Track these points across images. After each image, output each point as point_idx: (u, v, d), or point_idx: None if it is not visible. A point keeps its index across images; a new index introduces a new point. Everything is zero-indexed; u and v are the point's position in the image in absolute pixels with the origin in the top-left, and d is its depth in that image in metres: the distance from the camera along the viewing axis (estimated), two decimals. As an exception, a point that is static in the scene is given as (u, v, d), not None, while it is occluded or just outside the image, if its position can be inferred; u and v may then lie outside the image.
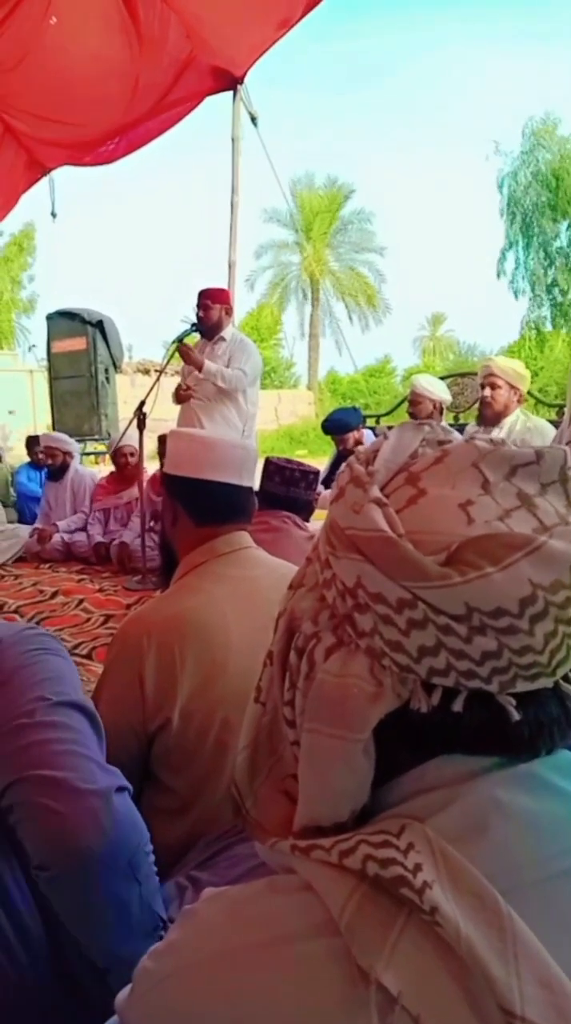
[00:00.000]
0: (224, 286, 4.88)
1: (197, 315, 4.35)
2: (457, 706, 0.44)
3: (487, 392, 3.51)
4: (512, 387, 3.50)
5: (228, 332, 4.42)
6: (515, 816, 0.45)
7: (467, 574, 0.41)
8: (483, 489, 0.45)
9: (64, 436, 5.86)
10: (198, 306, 4.35)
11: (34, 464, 6.78)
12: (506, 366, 3.58)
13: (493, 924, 0.41)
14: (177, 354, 4.34)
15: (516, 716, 0.44)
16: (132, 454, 5.02)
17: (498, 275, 25.16)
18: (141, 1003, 0.50)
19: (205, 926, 0.49)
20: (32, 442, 6.88)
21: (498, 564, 0.41)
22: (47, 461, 5.55)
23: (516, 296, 25.19)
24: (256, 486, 2.22)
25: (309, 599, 0.51)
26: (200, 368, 4.17)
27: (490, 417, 3.54)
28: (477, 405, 3.83)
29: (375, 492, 0.46)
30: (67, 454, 5.52)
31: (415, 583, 0.42)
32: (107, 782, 0.83)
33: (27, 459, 7.08)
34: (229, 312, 4.52)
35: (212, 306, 4.34)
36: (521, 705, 0.44)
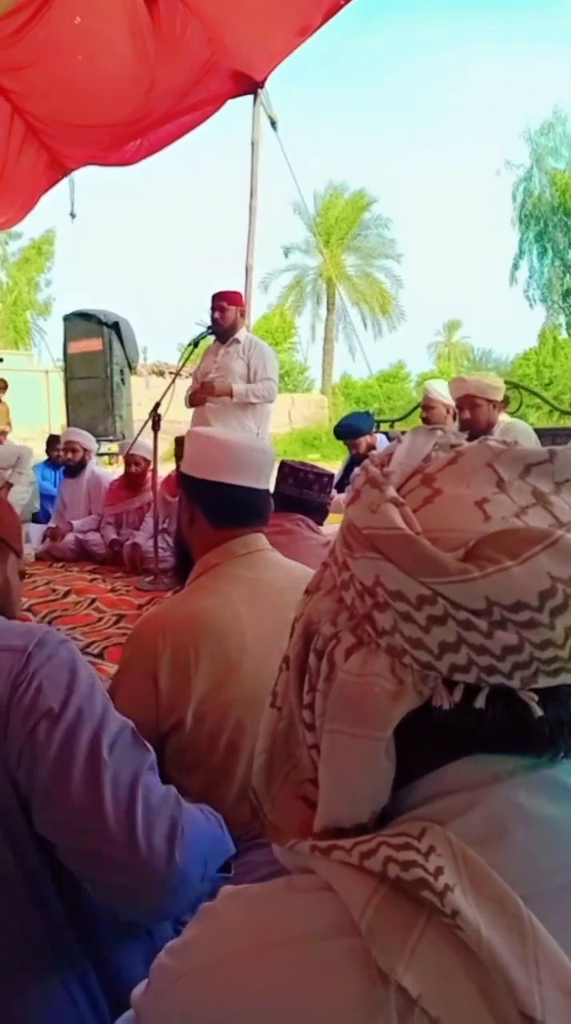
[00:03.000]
0: (240, 289, 4.90)
1: (212, 317, 4.37)
2: (479, 703, 0.44)
3: (467, 414, 3.46)
4: (490, 401, 3.48)
5: (242, 334, 4.44)
6: (536, 822, 0.45)
7: (486, 568, 0.41)
8: (498, 487, 0.46)
9: (86, 433, 5.86)
10: (213, 308, 4.37)
11: (51, 463, 6.81)
12: (480, 383, 3.54)
13: (514, 929, 0.41)
14: (193, 354, 4.37)
15: (539, 712, 0.44)
16: (137, 463, 5.04)
17: (512, 281, 25.13)
18: (158, 1001, 0.50)
19: (223, 924, 0.49)
20: (52, 441, 6.91)
21: (516, 558, 0.41)
22: (67, 455, 5.56)
23: (531, 304, 25.18)
24: (271, 488, 2.22)
25: (327, 602, 0.51)
26: (230, 395, 4.22)
27: (477, 436, 3.53)
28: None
29: (391, 492, 0.46)
30: (87, 451, 5.53)
31: (434, 579, 0.42)
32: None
33: (44, 458, 7.12)
34: (243, 314, 4.54)
35: (228, 308, 4.36)
36: (542, 701, 0.44)
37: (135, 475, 5.07)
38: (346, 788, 0.48)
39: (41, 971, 0.88)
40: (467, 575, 0.41)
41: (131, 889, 0.84)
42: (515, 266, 25.27)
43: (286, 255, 30.07)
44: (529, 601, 0.41)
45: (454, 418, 4.32)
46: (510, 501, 0.45)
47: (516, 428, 3.62)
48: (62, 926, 0.90)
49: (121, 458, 5.38)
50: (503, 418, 3.62)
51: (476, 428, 3.42)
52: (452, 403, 4.26)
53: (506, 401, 3.61)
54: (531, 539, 0.42)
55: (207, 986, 0.47)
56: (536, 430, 4.27)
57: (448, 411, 4.28)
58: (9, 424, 9.54)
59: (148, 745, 0.92)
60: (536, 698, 0.44)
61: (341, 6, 3.87)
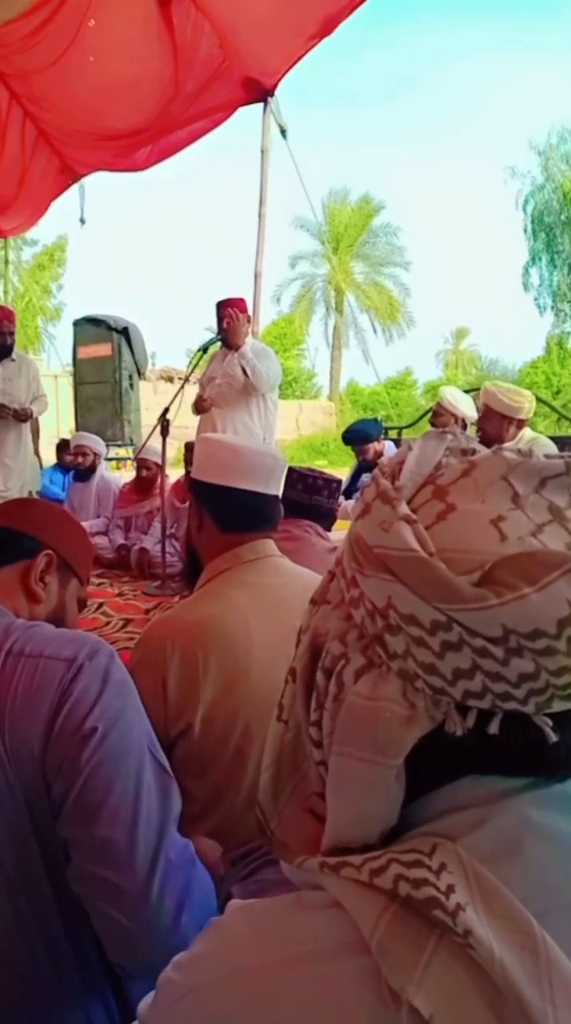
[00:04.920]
0: (250, 295, 4.91)
1: (219, 326, 4.38)
2: (493, 728, 0.43)
3: (482, 422, 3.44)
4: (503, 415, 3.40)
5: (248, 341, 4.45)
6: (549, 838, 0.44)
7: (504, 595, 0.40)
8: (514, 503, 0.44)
9: (95, 437, 5.89)
10: (219, 317, 4.37)
11: (60, 467, 6.84)
12: (495, 394, 3.47)
13: (527, 948, 0.40)
14: (201, 360, 4.37)
15: (554, 737, 0.42)
16: (149, 468, 5.05)
17: (525, 288, 25.13)
18: (164, 1015, 0.50)
19: (231, 940, 0.48)
20: (62, 446, 6.93)
21: (535, 584, 0.40)
22: (77, 460, 5.57)
23: (541, 312, 25.14)
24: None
25: (335, 617, 0.50)
26: (238, 347, 4.23)
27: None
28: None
29: (404, 509, 0.45)
30: (97, 455, 5.56)
31: (450, 605, 0.41)
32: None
33: (54, 462, 7.14)
34: (250, 320, 4.56)
35: (236, 315, 4.37)
36: (557, 726, 0.43)
37: (147, 479, 5.09)
38: (354, 811, 0.47)
39: (70, 997, 0.88)
40: (484, 602, 0.40)
41: (129, 932, 0.83)
42: (526, 273, 25.27)
43: (294, 264, 30.21)
44: (547, 629, 0.40)
45: (464, 429, 4.31)
46: (526, 518, 0.43)
47: (540, 443, 3.58)
48: (88, 951, 0.89)
49: (129, 463, 5.41)
50: (527, 433, 3.54)
51: (484, 438, 3.34)
52: (463, 414, 4.25)
53: (520, 424, 3.49)
54: (550, 564, 0.40)
55: (213, 1003, 0.46)
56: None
57: (456, 420, 4.27)
58: None
59: (176, 789, 0.93)
60: (551, 723, 0.42)
61: (354, 9, 3.88)
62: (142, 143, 5.28)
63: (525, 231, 24.42)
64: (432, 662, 0.42)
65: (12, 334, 5.11)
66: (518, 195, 24.12)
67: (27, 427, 5.45)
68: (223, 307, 4.39)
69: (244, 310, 4.49)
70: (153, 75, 4.47)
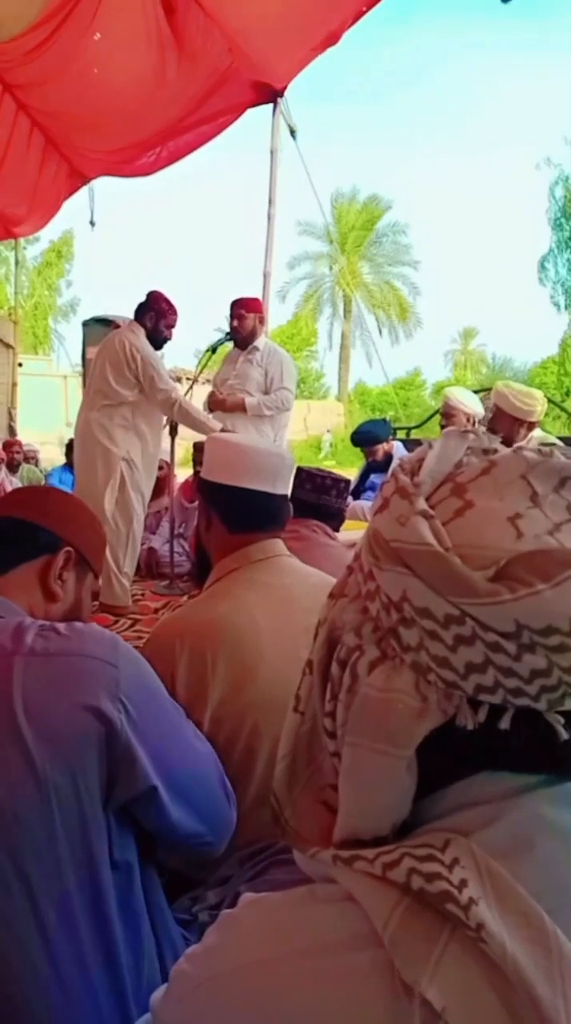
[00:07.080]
0: (258, 296, 4.90)
1: (231, 325, 4.38)
2: (504, 724, 0.43)
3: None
4: (512, 416, 3.44)
5: (261, 342, 4.43)
6: (561, 834, 0.44)
7: (517, 591, 0.40)
8: (532, 502, 0.44)
9: None
10: (232, 316, 4.37)
11: (68, 467, 6.86)
12: (504, 394, 3.51)
13: (539, 943, 0.40)
14: (211, 360, 4.36)
15: (565, 735, 0.43)
16: (161, 467, 5.05)
17: (541, 282, 24.91)
18: (178, 1007, 0.50)
19: (245, 932, 0.49)
20: (72, 445, 6.96)
21: (549, 581, 0.40)
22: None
23: (559, 309, 24.96)
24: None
25: (351, 610, 0.50)
26: (243, 409, 4.20)
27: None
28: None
29: (421, 504, 0.45)
30: None
31: (463, 599, 0.41)
32: None
33: (62, 462, 7.17)
34: (262, 321, 4.54)
35: (246, 315, 4.36)
36: (569, 724, 0.43)
37: (160, 479, 5.09)
38: (366, 802, 0.47)
39: (83, 1000, 0.85)
40: (497, 598, 0.41)
41: (214, 850, 1.04)
42: (542, 267, 25.03)
43: (302, 263, 30.21)
44: (560, 626, 0.40)
45: (474, 427, 4.29)
46: (543, 517, 0.44)
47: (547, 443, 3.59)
48: (98, 951, 0.86)
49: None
50: (537, 433, 3.56)
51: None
52: (472, 411, 4.24)
53: (530, 426, 3.51)
54: (565, 561, 0.41)
55: (227, 994, 0.47)
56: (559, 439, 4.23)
57: (468, 419, 4.25)
58: None
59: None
60: (562, 720, 0.43)
61: (362, 14, 3.87)
62: (149, 148, 5.27)
63: (550, 223, 24.23)
64: (445, 655, 0.43)
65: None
66: (553, 182, 23.94)
67: None
68: (235, 308, 4.38)
69: (259, 310, 4.47)
70: (160, 84, 4.45)
